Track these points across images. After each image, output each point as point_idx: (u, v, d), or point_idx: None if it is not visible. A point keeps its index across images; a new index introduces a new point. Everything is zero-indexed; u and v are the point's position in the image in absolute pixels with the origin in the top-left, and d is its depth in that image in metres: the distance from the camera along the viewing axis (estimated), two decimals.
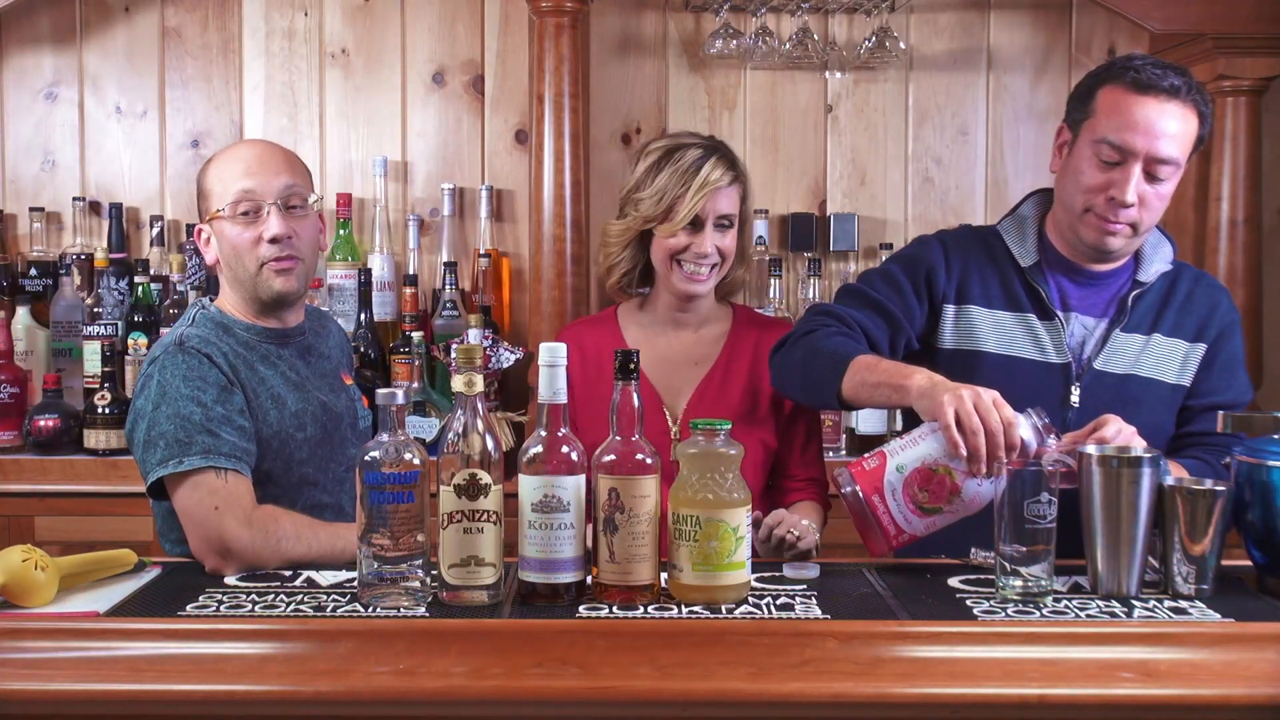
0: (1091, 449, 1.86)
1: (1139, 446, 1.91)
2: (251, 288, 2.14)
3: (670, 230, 2.29)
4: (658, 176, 2.29)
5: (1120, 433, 1.93)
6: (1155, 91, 2.06)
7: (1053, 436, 1.90)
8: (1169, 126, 2.06)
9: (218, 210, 2.12)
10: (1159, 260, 2.23)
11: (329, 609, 1.71)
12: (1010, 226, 2.27)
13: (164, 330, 3.08)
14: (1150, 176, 2.08)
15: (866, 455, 1.94)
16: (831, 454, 3.15)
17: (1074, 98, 2.18)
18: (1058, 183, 2.21)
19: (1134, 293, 2.20)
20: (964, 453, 1.84)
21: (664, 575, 1.78)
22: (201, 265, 3.12)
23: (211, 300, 2.21)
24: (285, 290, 2.14)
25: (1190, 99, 2.07)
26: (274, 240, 2.10)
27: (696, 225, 2.29)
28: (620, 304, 2.47)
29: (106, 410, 3.02)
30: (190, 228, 3.23)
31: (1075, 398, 2.17)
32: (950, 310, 2.23)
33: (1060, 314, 2.20)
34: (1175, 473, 2.02)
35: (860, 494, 1.90)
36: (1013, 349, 2.19)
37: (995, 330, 2.21)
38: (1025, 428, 1.87)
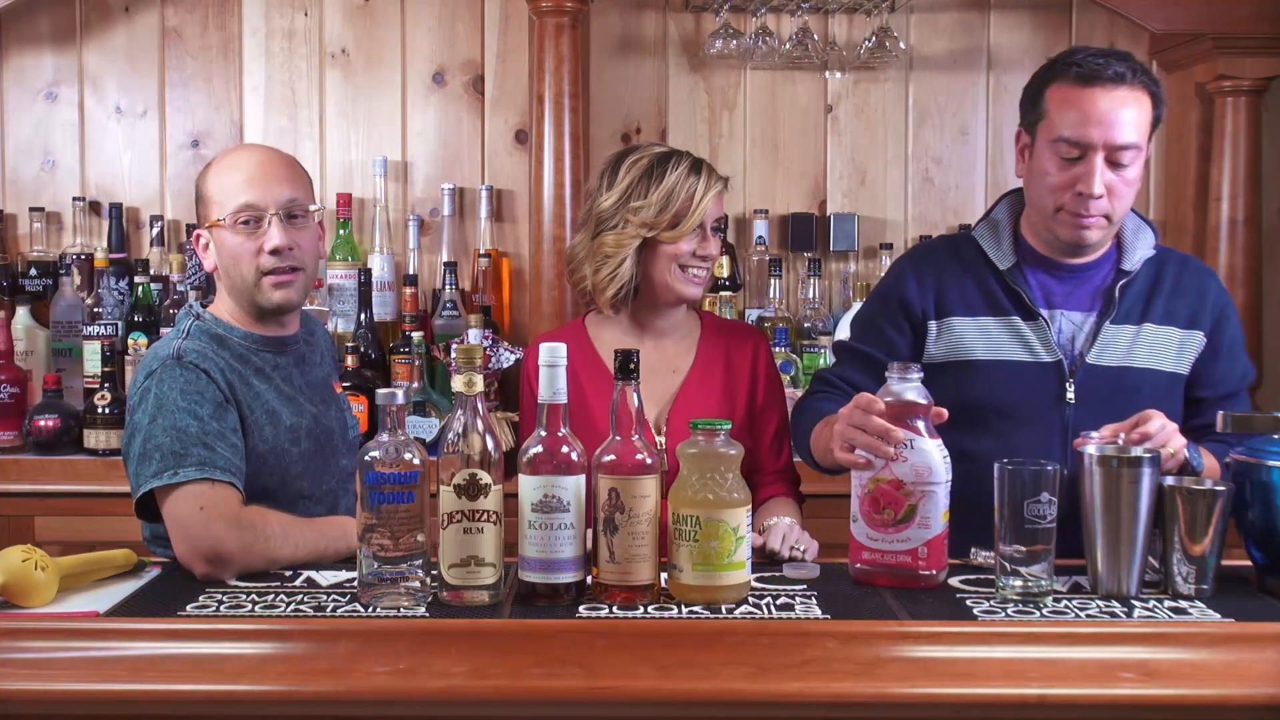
0: (1091, 449, 1.85)
1: (1178, 444, 1.91)
2: (250, 297, 2.12)
3: (679, 235, 2.28)
4: (656, 184, 2.27)
5: (1164, 428, 1.91)
6: (1101, 81, 2.06)
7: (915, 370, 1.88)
8: (1122, 114, 2.06)
9: (218, 219, 2.11)
10: (1142, 246, 2.22)
11: (329, 609, 1.71)
12: (985, 231, 2.27)
13: (164, 331, 3.07)
14: (1113, 164, 2.08)
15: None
16: None
17: (1024, 101, 2.18)
18: (1025, 186, 2.21)
19: (1120, 283, 2.20)
20: (869, 458, 1.85)
21: (664, 575, 1.79)
22: (201, 266, 3.12)
23: (205, 306, 2.18)
24: (284, 302, 2.12)
25: (1138, 81, 2.08)
26: (275, 252, 2.08)
27: (700, 228, 2.30)
28: (587, 315, 2.44)
29: (106, 410, 3.02)
30: (190, 228, 3.23)
31: (1071, 394, 2.16)
32: (933, 325, 2.24)
33: (1045, 312, 2.19)
34: (1205, 459, 2.01)
35: (862, 569, 1.87)
36: (1002, 353, 2.19)
37: (982, 337, 2.21)
38: (895, 392, 1.86)
